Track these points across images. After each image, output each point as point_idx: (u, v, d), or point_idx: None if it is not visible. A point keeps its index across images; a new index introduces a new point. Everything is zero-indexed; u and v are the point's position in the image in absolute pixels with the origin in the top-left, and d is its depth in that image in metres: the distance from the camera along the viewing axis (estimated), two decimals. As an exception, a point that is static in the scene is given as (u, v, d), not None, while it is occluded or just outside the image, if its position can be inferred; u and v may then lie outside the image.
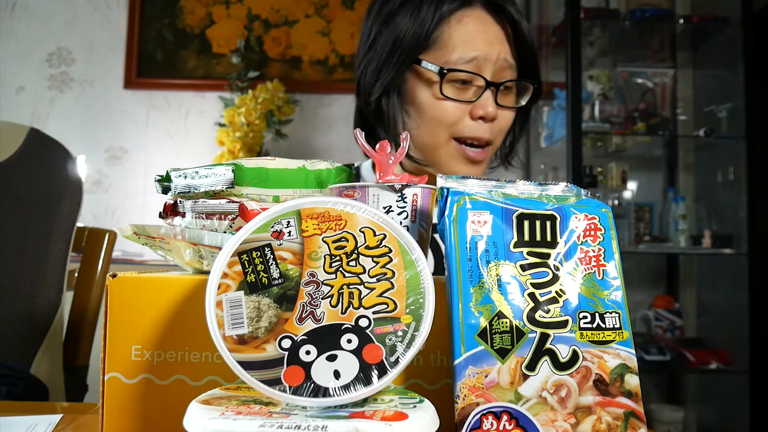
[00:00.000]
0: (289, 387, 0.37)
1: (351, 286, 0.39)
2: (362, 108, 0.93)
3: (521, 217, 0.44)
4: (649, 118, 2.23)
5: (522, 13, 0.89)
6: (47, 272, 1.02)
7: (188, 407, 0.36)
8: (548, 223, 0.44)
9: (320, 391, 0.37)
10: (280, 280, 0.39)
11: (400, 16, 0.87)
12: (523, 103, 0.90)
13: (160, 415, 0.47)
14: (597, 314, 0.42)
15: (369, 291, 0.39)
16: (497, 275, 0.42)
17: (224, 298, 0.38)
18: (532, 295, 0.42)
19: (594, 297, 0.43)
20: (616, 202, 2.29)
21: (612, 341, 0.42)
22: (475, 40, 0.85)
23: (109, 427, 0.47)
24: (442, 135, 0.86)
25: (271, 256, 0.39)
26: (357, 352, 0.38)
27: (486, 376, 0.40)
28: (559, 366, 0.41)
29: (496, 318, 0.41)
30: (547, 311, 0.42)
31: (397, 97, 0.89)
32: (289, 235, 0.40)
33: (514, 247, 0.43)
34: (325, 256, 0.40)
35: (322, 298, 0.39)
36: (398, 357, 0.38)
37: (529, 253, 0.43)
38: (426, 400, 0.39)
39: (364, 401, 0.39)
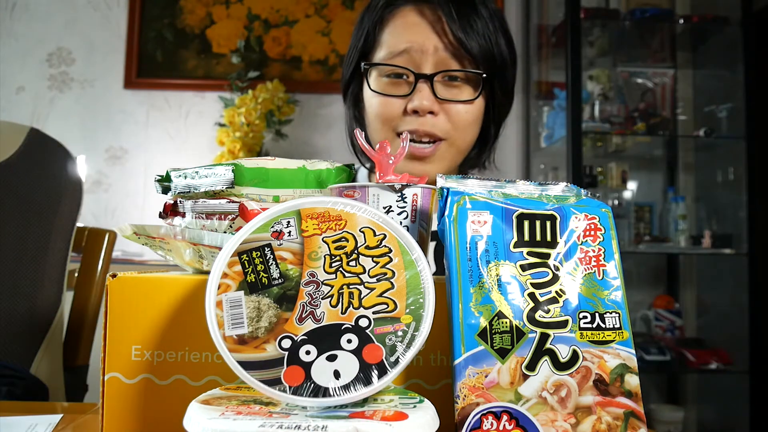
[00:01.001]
0: (289, 387, 0.37)
1: (351, 286, 0.39)
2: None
3: (521, 217, 0.44)
4: (649, 118, 2.23)
5: (476, 10, 0.85)
6: (47, 272, 1.02)
7: (188, 407, 0.36)
8: (548, 223, 0.44)
9: (320, 391, 0.37)
10: (280, 280, 0.39)
11: (358, 25, 0.91)
12: (477, 96, 0.85)
13: (160, 415, 0.47)
14: (597, 314, 0.42)
15: (369, 291, 0.39)
16: (497, 275, 0.42)
17: (224, 298, 0.38)
18: (532, 295, 0.42)
19: (594, 297, 0.43)
20: (616, 202, 2.29)
21: (612, 341, 0.42)
22: (405, 33, 0.85)
23: (109, 427, 0.47)
24: (385, 132, 0.86)
25: (271, 256, 0.39)
26: (357, 352, 0.38)
27: (486, 376, 0.40)
28: (559, 366, 0.41)
29: (496, 318, 0.41)
30: (547, 311, 0.42)
31: (351, 98, 0.93)
32: (289, 235, 0.40)
33: (514, 247, 0.43)
34: (325, 256, 0.40)
35: (322, 298, 0.39)
36: (398, 357, 0.38)
37: (529, 253, 0.43)
38: (426, 400, 0.39)
39: (364, 401, 0.39)
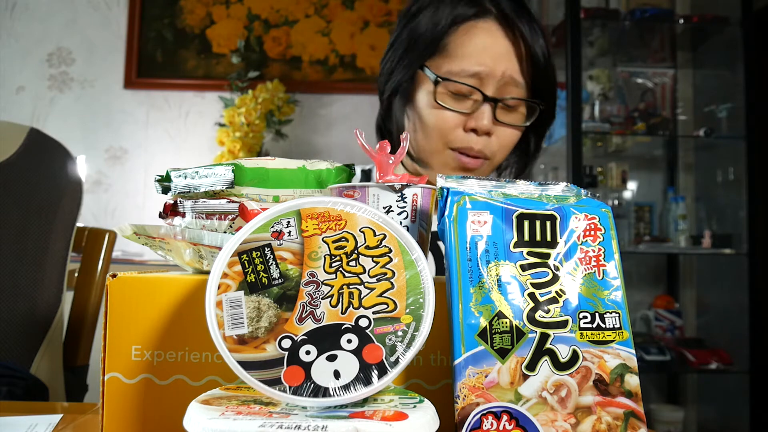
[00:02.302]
0: (289, 387, 0.37)
1: (351, 286, 0.39)
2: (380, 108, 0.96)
3: (521, 217, 0.44)
4: (649, 118, 2.23)
5: (538, 31, 0.86)
6: (47, 272, 1.02)
7: (188, 407, 0.36)
8: (548, 223, 0.44)
9: (320, 391, 0.37)
10: (280, 280, 0.39)
11: (418, 19, 0.88)
12: (528, 123, 0.88)
13: (160, 415, 0.47)
14: (597, 314, 0.42)
15: (369, 291, 0.39)
16: (497, 275, 0.42)
17: (224, 298, 0.38)
18: (532, 295, 0.42)
19: (594, 297, 0.43)
20: (616, 202, 2.29)
21: (612, 341, 0.42)
22: (480, 55, 0.83)
23: (109, 427, 0.47)
24: (437, 142, 0.86)
25: (271, 256, 0.39)
26: (357, 352, 0.38)
27: (486, 376, 0.40)
28: (559, 366, 0.41)
29: (496, 318, 0.41)
30: (547, 311, 0.42)
31: (402, 99, 0.90)
32: (289, 235, 0.40)
33: (514, 247, 0.43)
34: (325, 256, 0.40)
35: (322, 298, 0.39)
36: (398, 357, 0.38)
37: (529, 253, 0.43)
38: (426, 400, 0.39)
39: (364, 401, 0.39)
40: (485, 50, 0.84)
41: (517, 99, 0.85)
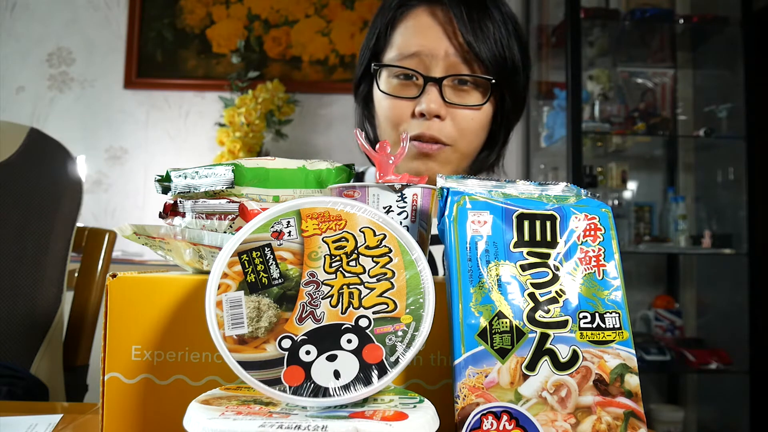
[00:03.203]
0: (289, 387, 0.37)
1: (351, 286, 0.39)
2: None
3: (521, 217, 0.44)
4: (649, 118, 2.23)
5: (483, 11, 0.84)
6: (47, 272, 1.02)
7: (188, 407, 0.36)
8: (548, 223, 0.44)
9: (320, 391, 0.37)
10: (280, 280, 0.39)
11: (371, 25, 0.91)
12: (485, 102, 0.84)
13: (160, 415, 0.47)
14: (597, 314, 0.42)
15: (369, 291, 0.39)
16: (497, 275, 0.42)
17: (224, 298, 0.38)
18: (532, 295, 0.42)
19: (594, 297, 0.43)
20: (616, 202, 2.29)
21: (612, 341, 0.42)
22: (414, 36, 0.84)
23: (109, 427, 0.47)
24: (392, 133, 0.86)
25: (271, 256, 0.39)
26: (357, 352, 0.38)
27: (486, 376, 0.40)
28: (559, 366, 0.41)
29: (496, 318, 0.41)
30: (547, 311, 0.42)
31: (362, 98, 0.94)
32: (289, 235, 0.40)
33: (514, 247, 0.43)
34: (325, 256, 0.40)
35: (322, 298, 0.39)
36: (398, 357, 0.38)
37: (529, 253, 0.43)
38: (426, 400, 0.39)
39: (364, 401, 0.39)
40: (419, 31, 0.84)
41: (461, 75, 0.83)
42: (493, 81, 0.84)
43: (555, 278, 0.43)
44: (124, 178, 2.51)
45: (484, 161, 0.93)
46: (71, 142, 2.29)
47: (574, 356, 0.41)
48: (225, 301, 0.38)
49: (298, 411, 0.37)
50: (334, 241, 0.40)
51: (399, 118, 0.85)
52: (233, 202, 0.51)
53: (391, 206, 0.48)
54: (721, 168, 2.30)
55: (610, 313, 0.42)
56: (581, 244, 0.44)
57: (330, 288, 0.39)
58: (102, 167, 2.51)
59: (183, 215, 0.54)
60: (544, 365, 0.40)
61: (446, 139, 0.84)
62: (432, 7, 0.85)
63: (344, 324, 0.39)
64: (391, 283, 0.40)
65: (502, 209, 0.44)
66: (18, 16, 2.55)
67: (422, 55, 0.83)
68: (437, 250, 0.88)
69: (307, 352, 0.38)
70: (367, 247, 0.40)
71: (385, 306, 0.39)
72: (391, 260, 0.40)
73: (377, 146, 0.51)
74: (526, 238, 0.43)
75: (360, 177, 0.99)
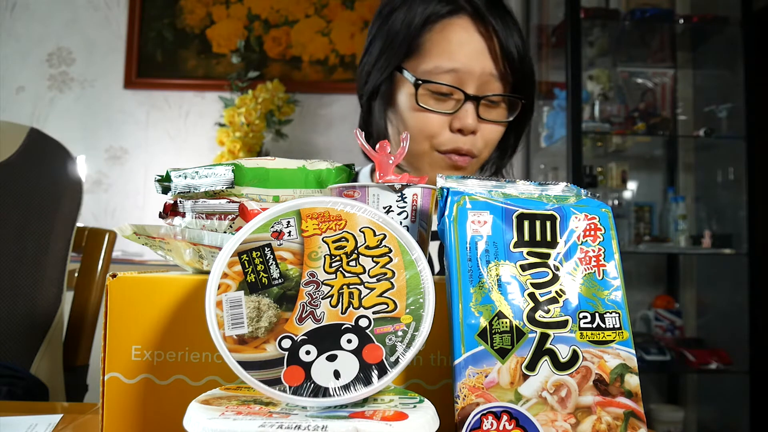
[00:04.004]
0: (289, 387, 0.37)
1: (351, 286, 0.39)
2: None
3: (521, 217, 0.44)
4: (649, 118, 2.23)
5: (513, 25, 0.85)
6: (47, 272, 1.02)
7: (188, 407, 0.36)
8: (548, 223, 0.44)
9: (320, 391, 0.37)
10: (280, 280, 0.39)
11: (393, 18, 0.87)
12: (511, 118, 0.88)
13: (160, 415, 0.47)
14: (597, 314, 0.42)
15: (369, 291, 0.39)
16: (497, 275, 0.42)
17: (224, 298, 0.38)
18: (532, 295, 0.42)
19: (594, 297, 0.43)
20: (616, 202, 2.29)
21: (612, 341, 0.42)
22: (456, 52, 0.83)
23: (109, 427, 0.47)
24: (423, 145, 0.86)
25: (271, 256, 0.39)
26: (357, 352, 0.38)
27: (486, 376, 0.40)
28: (559, 366, 0.41)
29: (496, 318, 0.41)
30: (547, 311, 0.42)
31: (382, 101, 0.89)
32: (289, 235, 0.40)
33: (514, 247, 0.43)
34: (325, 256, 0.40)
35: (322, 298, 0.39)
36: (398, 357, 0.38)
37: (529, 253, 0.43)
38: (426, 400, 0.39)
39: (364, 401, 0.39)
40: (460, 47, 0.83)
41: (499, 95, 0.85)
42: (524, 102, 0.87)
43: (555, 278, 0.43)
44: (124, 178, 2.51)
45: (497, 163, 0.96)
46: (71, 142, 2.29)
47: (574, 356, 0.41)
48: (225, 301, 0.38)
49: (298, 411, 0.37)
50: (334, 241, 0.40)
51: (434, 131, 0.85)
52: (233, 202, 0.51)
53: (391, 206, 0.48)
54: (721, 168, 2.30)
55: (610, 313, 0.42)
56: (581, 244, 0.44)
57: (330, 288, 0.39)
58: (102, 167, 2.51)
59: (183, 215, 0.54)
60: (544, 365, 0.40)
61: (476, 152, 0.87)
62: (473, 18, 0.84)
63: (344, 324, 0.39)
64: (391, 283, 0.40)
65: (502, 209, 0.44)
66: (18, 16, 2.55)
67: (460, 72, 0.83)
68: (432, 246, 0.88)
69: (307, 352, 0.38)
70: (367, 247, 0.40)
71: (385, 306, 0.39)
72: (391, 260, 0.40)
73: (377, 146, 0.51)
74: (526, 238, 0.43)
75: (354, 177, 0.99)
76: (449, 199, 0.44)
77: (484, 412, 0.39)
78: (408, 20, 0.85)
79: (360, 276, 0.40)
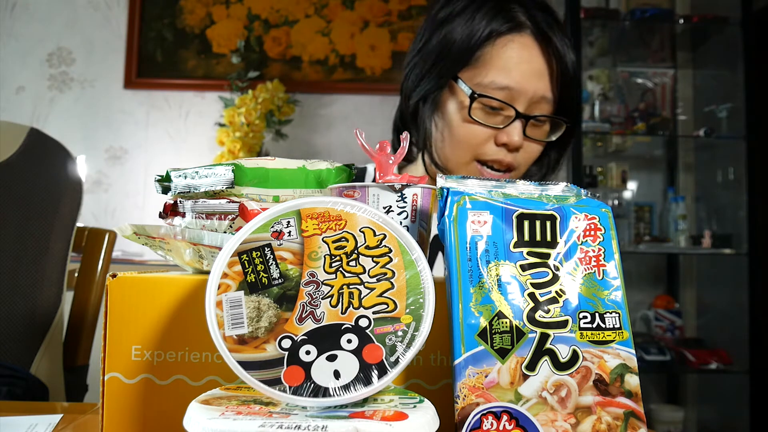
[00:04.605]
0: (289, 387, 0.37)
1: (351, 286, 0.39)
2: (402, 109, 0.94)
3: (521, 217, 0.44)
4: (649, 118, 2.23)
5: (570, 47, 0.86)
6: (47, 272, 1.02)
7: (188, 407, 0.36)
8: (548, 223, 0.44)
9: (320, 391, 0.37)
10: (280, 280, 0.39)
11: (452, 27, 0.86)
12: (554, 138, 0.89)
13: (160, 415, 0.47)
14: (597, 314, 0.42)
15: (369, 291, 0.39)
16: (497, 275, 0.42)
17: (224, 298, 0.38)
18: (532, 295, 0.42)
19: (594, 297, 0.43)
20: (616, 202, 2.29)
21: (612, 341, 0.42)
22: (513, 69, 0.83)
23: (109, 427, 0.47)
24: (465, 155, 0.87)
25: (271, 256, 0.39)
26: (357, 352, 0.38)
27: (486, 376, 0.40)
28: (559, 366, 0.41)
29: (496, 318, 0.41)
30: (547, 311, 0.42)
31: (431, 106, 0.89)
32: (289, 235, 0.40)
33: (514, 247, 0.43)
34: (325, 256, 0.40)
35: (322, 298, 0.39)
36: (398, 357, 0.38)
37: (529, 253, 0.43)
38: (426, 400, 0.39)
39: (364, 401, 0.39)
40: (518, 65, 0.83)
41: (547, 117, 0.86)
42: (569, 125, 0.88)
43: (555, 278, 0.43)
44: (124, 178, 2.51)
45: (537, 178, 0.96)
46: (71, 142, 2.29)
47: (574, 356, 0.41)
48: (225, 301, 0.38)
49: (298, 411, 0.37)
50: (334, 241, 0.40)
51: (480, 143, 0.85)
52: (233, 202, 0.51)
53: (391, 206, 0.48)
54: (721, 168, 2.30)
55: (610, 313, 0.42)
56: (581, 244, 0.44)
57: (330, 288, 0.39)
58: (102, 167, 2.51)
59: (183, 215, 0.54)
60: (544, 365, 0.40)
61: (516, 166, 0.88)
62: (536, 38, 0.84)
63: (344, 324, 0.39)
64: (391, 283, 0.40)
65: (502, 209, 0.44)
66: (18, 16, 2.55)
67: (513, 90, 0.83)
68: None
69: (307, 352, 0.38)
70: (367, 247, 0.40)
71: (385, 306, 0.39)
72: (391, 260, 0.40)
73: (377, 146, 0.51)
74: (526, 238, 0.43)
75: (361, 174, 0.99)
76: (449, 199, 0.44)
77: (484, 412, 0.39)
78: (469, 32, 0.84)
79: (360, 276, 0.40)
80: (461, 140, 0.86)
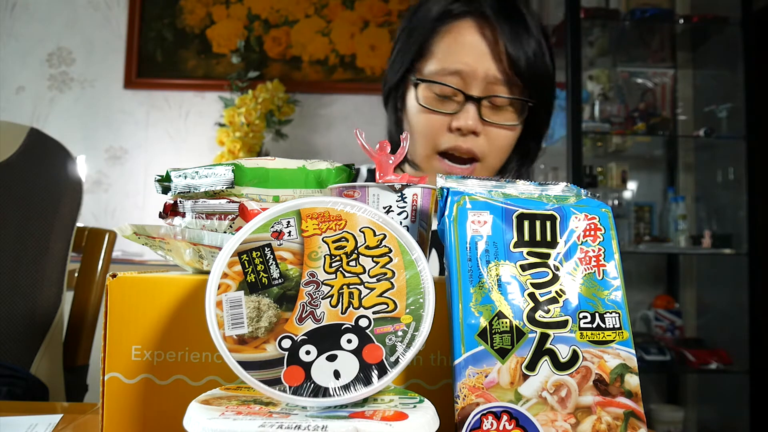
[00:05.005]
0: (289, 387, 0.37)
1: (351, 286, 0.39)
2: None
3: (521, 217, 0.44)
4: (649, 118, 2.23)
5: (529, 29, 0.84)
6: (47, 272, 1.02)
7: (188, 407, 0.36)
8: (548, 223, 0.44)
9: (320, 391, 0.37)
10: (280, 280, 0.39)
11: (411, 23, 0.89)
12: (518, 122, 0.87)
13: (160, 415, 0.47)
14: (597, 314, 0.42)
15: (369, 291, 0.39)
16: (497, 275, 0.42)
17: (224, 298, 0.38)
18: (532, 295, 0.42)
19: (594, 297, 0.43)
20: (616, 202, 2.29)
21: (612, 341, 0.42)
22: (459, 53, 0.83)
23: (109, 427, 0.47)
24: (425, 147, 0.87)
25: (271, 256, 0.39)
26: (357, 352, 0.38)
27: (486, 376, 0.40)
28: (559, 366, 0.41)
29: (496, 318, 0.41)
30: (547, 311, 0.42)
31: (394, 103, 0.91)
32: (289, 235, 0.40)
33: (514, 247, 0.43)
34: (325, 256, 0.40)
35: (322, 298, 0.39)
36: (398, 357, 0.38)
37: (529, 253, 0.43)
38: (426, 400, 0.39)
39: (364, 401, 0.39)
40: (464, 49, 0.83)
41: (502, 97, 0.84)
42: (531, 104, 0.86)
43: (555, 278, 0.43)
44: (124, 178, 2.51)
45: (516, 173, 0.95)
46: (71, 142, 2.29)
47: (574, 356, 0.41)
48: (225, 301, 0.38)
49: (298, 411, 0.37)
50: (334, 241, 0.40)
51: (435, 132, 0.85)
52: (233, 202, 0.51)
53: (391, 206, 0.48)
54: (721, 168, 2.30)
55: (610, 313, 0.42)
56: (581, 244, 0.44)
57: (330, 288, 0.39)
58: (102, 167, 2.51)
59: (183, 215, 0.54)
60: (544, 365, 0.40)
61: (479, 153, 0.86)
62: (479, 21, 0.84)
63: (344, 324, 0.39)
64: (391, 283, 0.40)
65: (502, 209, 0.44)
66: (18, 16, 2.54)
67: (463, 74, 0.83)
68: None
69: (307, 352, 0.38)
70: (367, 247, 0.40)
71: (385, 306, 0.39)
72: (391, 260, 0.40)
73: (377, 146, 0.51)
74: (526, 238, 0.43)
75: (373, 173, 0.99)
76: (449, 199, 0.44)
77: (484, 412, 0.39)
78: (423, 22, 0.86)
79: (360, 276, 0.40)
80: (418, 131, 0.86)
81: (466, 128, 0.83)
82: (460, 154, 0.85)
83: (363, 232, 0.40)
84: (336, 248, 0.40)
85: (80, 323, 1.09)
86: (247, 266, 0.39)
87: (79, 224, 1.11)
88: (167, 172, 0.54)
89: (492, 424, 0.39)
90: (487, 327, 0.41)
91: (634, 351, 0.42)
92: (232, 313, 0.38)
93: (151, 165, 2.51)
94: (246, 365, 0.37)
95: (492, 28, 0.83)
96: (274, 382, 0.37)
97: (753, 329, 2.04)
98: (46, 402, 0.92)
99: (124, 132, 2.54)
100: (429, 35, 0.86)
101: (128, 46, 2.54)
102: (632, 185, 2.38)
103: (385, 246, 0.40)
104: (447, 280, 0.43)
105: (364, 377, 0.38)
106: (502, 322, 0.41)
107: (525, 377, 0.40)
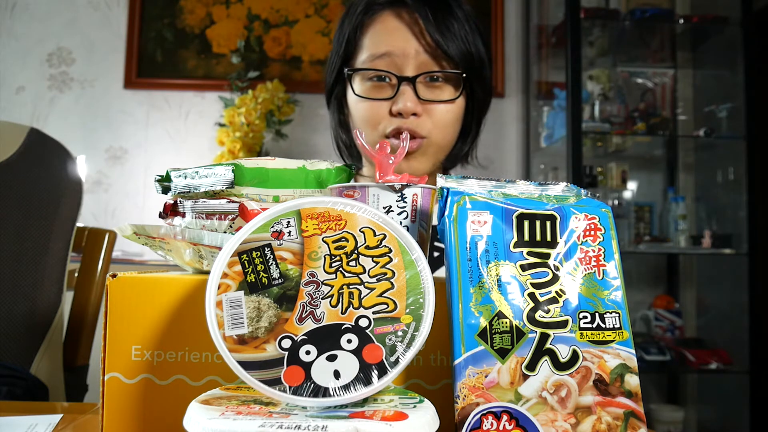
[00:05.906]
0: (289, 387, 0.37)
1: (351, 286, 0.39)
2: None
3: (521, 217, 0.44)
4: (649, 118, 2.23)
5: (453, 13, 0.86)
6: (47, 272, 1.02)
7: (188, 407, 0.36)
8: (548, 223, 0.44)
9: (320, 391, 0.37)
10: (280, 280, 0.39)
11: (338, 31, 0.92)
12: (458, 95, 0.88)
13: (160, 415, 0.47)
14: (597, 314, 0.42)
15: (369, 291, 0.39)
16: (497, 275, 0.42)
17: (224, 298, 0.38)
18: (532, 295, 0.42)
19: (594, 297, 0.43)
20: (616, 202, 2.29)
21: (612, 341, 0.42)
22: (383, 38, 0.86)
23: (109, 427, 0.47)
24: (373, 135, 0.87)
25: (271, 256, 0.39)
26: (357, 352, 0.38)
27: (486, 376, 0.40)
28: (559, 366, 0.41)
29: (496, 318, 0.41)
30: (547, 311, 0.42)
31: (339, 103, 0.95)
32: (289, 235, 0.40)
33: (514, 247, 0.43)
34: (325, 256, 0.40)
35: (322, 298, 0.39)
36: (398, 357, 0.38)
37: (529, 253, 0.43)
38: (426, 400, 0.39)
39: (364, 401, 0.39)
40: (390, 34, 0.86)
41: (434, 72, 0.86)
42: (464, 75, 0.87)
43: (555, 278, 0.43)
44: (124, 178, 2.51)
45: (459, 153, 0.96)
46: (71, 142, 2.29)
47: (574, 356, 0.41)
48: (225, 301, 0.38)
49: (298, 411, 0.37)
50: (334, 241, 0.40)
51: (376, 118, 0.86)
52: (233, 202, 0.51)
53: (391, 206, 0.48)
54: (721, 168, 2.30)
55: (610, 313, 0.42)
56: (581, 244, 0.44)
57: (330, 288, 0.39)
58: (102, 167, 2.51)
59: (183, 215, 0.54)
60: (544, 365, 0.40)
61: (424, 132, 0.87)
62: (397, 9, 0.87)
63: (344, 324, 0.39)
64: (391, 283, 0.40)
65: (502, 209, 0.44)
66: (18, 16, 2.54)
67: (393, 56, 0.85)
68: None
69: (307, 352, 0.38)
70: (367, 247, 0.40)
71: (385, 306, 0.39)
72: (391, 260, 0.40)
73: (377, 146, 0.51)
74: (526, 238, 0.43)
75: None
76: (449, 199, 0.44)
77: (484, 412, 0.39)
78: (350, 16, 0.90)
79: (360, 276, 0.40)
80: (361, 121, 0.88)
81: (405, 111, 0.84)
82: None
83: (363, 232, 0.40)
84: (336, 248, 0.40)
85: (80, 323, 1.09)
86: (247, 266, 0.39)
87: (79, 224, 1.11)
88: (167, 172, 0.54)
89: (492, 424, 0.39)
90: (487, 327, 0.41)
91: (634, 351, 0.42)
92: (232, 313, 0.38)
93: (151, 165, 2.51)
94: (246, 365, 0.37)
95: (411, 14, 0.86)
96: (274, 382, 0.37)
97: (753, 329, 2.04)
98: (46, 402, 0.92)
99: (124, 132, 2.53)
100: (356, 30, 0.89)
101: (128, 46, 2.54)
102: (632, 185, 2.38)
103: (385, 246, 0.40)
104: (447, 280, 0.43)
105: (364, 377, 0.38)
106: (502, 322, 0.41)
107: (525, 377, 0.40)
